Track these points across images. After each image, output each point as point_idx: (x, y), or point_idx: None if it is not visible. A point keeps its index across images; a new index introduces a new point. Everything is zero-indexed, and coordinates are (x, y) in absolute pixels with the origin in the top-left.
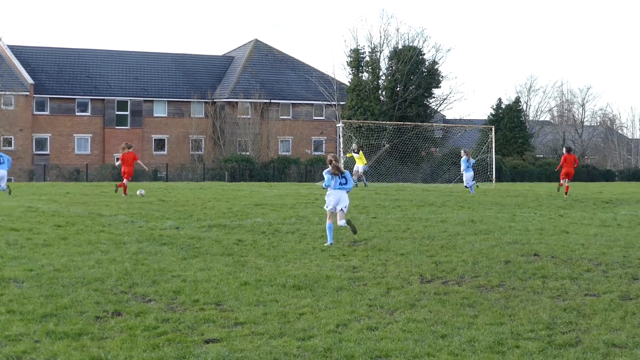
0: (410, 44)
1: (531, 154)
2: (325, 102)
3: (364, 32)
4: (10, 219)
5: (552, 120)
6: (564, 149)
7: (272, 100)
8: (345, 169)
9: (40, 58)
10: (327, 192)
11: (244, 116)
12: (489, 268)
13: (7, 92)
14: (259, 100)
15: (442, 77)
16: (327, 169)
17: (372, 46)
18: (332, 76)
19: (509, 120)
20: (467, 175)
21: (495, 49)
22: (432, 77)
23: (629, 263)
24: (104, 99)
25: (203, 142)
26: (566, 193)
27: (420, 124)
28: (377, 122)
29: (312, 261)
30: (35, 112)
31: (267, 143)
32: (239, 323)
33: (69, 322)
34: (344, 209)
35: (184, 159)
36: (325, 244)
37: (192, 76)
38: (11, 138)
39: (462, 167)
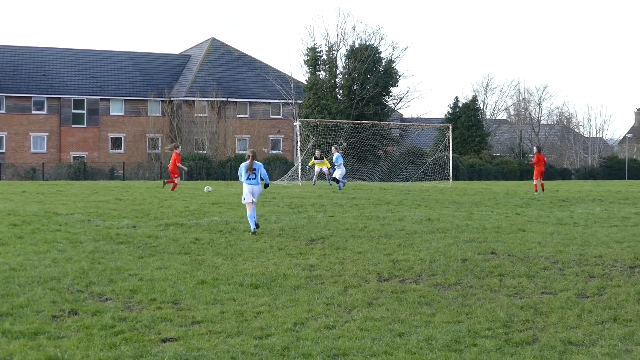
0: (367, 43)
1: (488, 152)
2: (282, 101)
3: (321, 30)
4: None
5: (508, 119)
6: (536, 148)
7: (229, 99)
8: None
9: None
10: (243, 186)
11: (201, 115)
12: (446, 266)
13: None
14: (216, 99)
15: (399, 75)
16: (245, 163)
17: (329, 45)
18: (289, 75)
19: (466, 119)
20: (340, 171)
21: (452, 48)
22: (389, 76)
23: (586, 261)
24: (60, 98)
25: (160, 141)
26: (543, 190)
27: (377, 122)
28: (334, 120)
29: (270, 260)
30: None
31: (224, 142)
32: (197, 322)
33: (25, 321)
34: (254, 200)
35: (140, 157)
36: (249, 233)
37: (149, 75)
38: None
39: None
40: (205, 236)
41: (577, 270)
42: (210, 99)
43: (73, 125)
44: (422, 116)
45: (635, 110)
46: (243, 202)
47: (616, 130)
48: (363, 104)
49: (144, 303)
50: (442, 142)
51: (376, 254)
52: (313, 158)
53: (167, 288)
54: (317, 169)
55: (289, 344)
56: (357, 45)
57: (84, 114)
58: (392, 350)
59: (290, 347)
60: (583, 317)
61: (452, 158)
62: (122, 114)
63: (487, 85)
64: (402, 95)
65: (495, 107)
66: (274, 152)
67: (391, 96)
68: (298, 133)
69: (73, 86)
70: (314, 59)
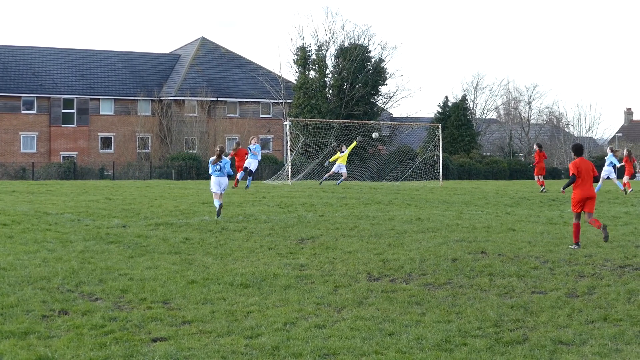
0: (356, 42)
1: (478, 152)
2: (272, 100)
3: (310, 30)
4: None
5: (498, 119)
6: (536, 145)
7: (219, 99)
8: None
9: None
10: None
11: (191, 114)
12: (437, 266)
13: None
14: (205, 99)
15: (389, 74)
16: (212, 158)
17: (318, 44)
18: (279, 74)
19: (455, 119)
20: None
21: (441, 47)
22: (378, 75)
23: (576, 261)
24: (50, 97)
25: (150, 140)
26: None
27: (367, 122)
28: (324, 120)
29: (260, 259)
30: None
31: (214, 141)
32: (187, 321)
33: (15, 321)
34: (222, 191)
35: (130, 157)
36: (217, 218)
37: (139, 74)
38: None
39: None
40: (195, 236)
41: (567, 269)
42: (200, 98)
43: (63, 125)
44: (411, 115)
45: (625, 110)
46: (211, 191)
47: (606, 129)
48: (353, 103)
49: (134, 303)
50: (432, 141)
51: (366, 254)
52: (338, 153)
53: (158, 288)
54: (335, 167)
55: (279, 343)
56: (346, 45)
57: (73, 113)
58: (382, 349)
59: (281, 347)
60: (573, 317)
61: (442, 157)
62: (112, 113)
63: (477, 85)
64: (391, 95)
65: (485, 106)
66: (263, 151)
67: (380, 95)
68: (288, 132)
69: (63, 85)
70: (303, 59)
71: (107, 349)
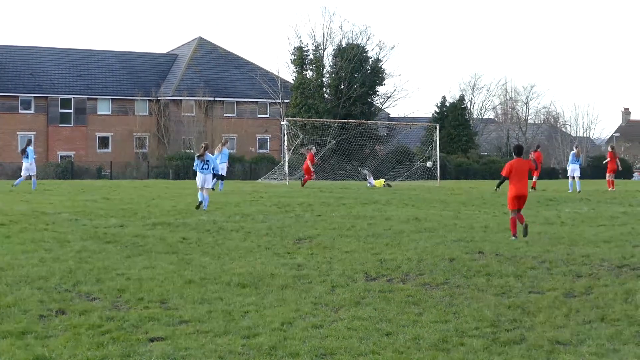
0: (354, 42)
1: (475, 151)
2: (269, 100)
3: (308, 29)
4: None
5: (496, 118)
6: (535, 147)
7: (216, 98)
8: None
9: None
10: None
11: (188, 114)
12: (434, 266)
13: None
14: (203, 98)
15: (386, 74)
16: (197, 154)
17: (316, 44)
18: (277, 74)
19: (453, 118)
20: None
21: (439, 47)
22: (376, 75)
23: (573, 261)
24: (47, 97)
25: (147, 140)
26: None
27: (364, 121)
28: (321, 120)
29: (257, 259)
30: None
31: (212, 141)
32: (184, 321)
33: (12, 320)
34: (206, 187)
35: (128, 157)
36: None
37: (136, 74)
38: None
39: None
40: (192, 235)
41: (564, 269)
42: (198, 98)
43: (60, 125)
44: (409, 115)
45: (623, 110)
46: (198, 186)
47: (603, 129)
48: (350, 103)
49: (132, 302)
50: (430, 141)
51: (363, 254)
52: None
53: (155, 287)
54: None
55: (276, 343)
56: (343, 45)
57: (71, 113)
58: (379, 349)
59: (278, 347)
60: (570, 317)
61: (440, 157)
62: (110, 113)
63: (475, 85)
64: (389, 95)
65: (482, 106)
66: (261, 151)
67: (378, 95)
68: (285, 132)
69: (60, 85)
70: (300, 58)
71: (104, 349)
